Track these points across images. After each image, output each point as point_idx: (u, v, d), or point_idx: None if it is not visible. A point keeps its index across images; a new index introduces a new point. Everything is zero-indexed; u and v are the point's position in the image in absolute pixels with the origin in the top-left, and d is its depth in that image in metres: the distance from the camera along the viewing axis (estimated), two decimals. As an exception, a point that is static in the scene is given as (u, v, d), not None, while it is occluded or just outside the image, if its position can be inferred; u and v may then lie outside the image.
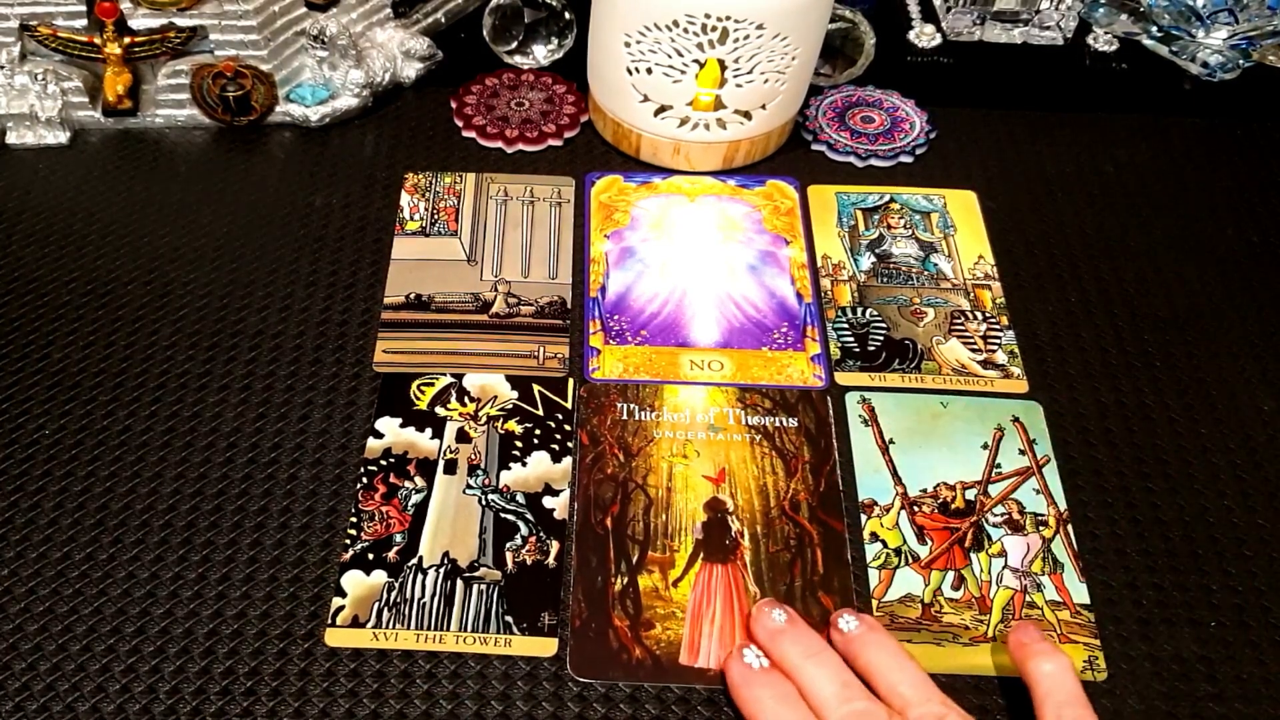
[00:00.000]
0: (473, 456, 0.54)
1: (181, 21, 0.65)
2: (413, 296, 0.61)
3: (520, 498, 0.52)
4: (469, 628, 0.48)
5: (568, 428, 0.55)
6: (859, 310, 0.61)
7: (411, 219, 0.65)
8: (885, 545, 0.51)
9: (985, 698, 0.47)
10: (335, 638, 0.48)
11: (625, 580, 0.50)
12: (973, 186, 0.68)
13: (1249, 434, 0.56)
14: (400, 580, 0.49)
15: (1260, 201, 0.68)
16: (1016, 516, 0.52)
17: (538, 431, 0.55)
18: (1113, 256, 0.64)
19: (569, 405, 0.56)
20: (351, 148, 0.69)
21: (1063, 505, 0.53)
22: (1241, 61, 0.76)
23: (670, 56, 0.62)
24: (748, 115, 0.65)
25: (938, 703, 0.43)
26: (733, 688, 0.45)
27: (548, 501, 0.52)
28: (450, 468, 0.53)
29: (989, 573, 0.50)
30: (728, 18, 0.59)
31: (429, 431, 0.55)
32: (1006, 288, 0.62)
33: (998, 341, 0.60)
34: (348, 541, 0.50)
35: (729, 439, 0.55)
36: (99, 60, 0.66)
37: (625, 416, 0.56)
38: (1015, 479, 0.54)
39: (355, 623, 0.48)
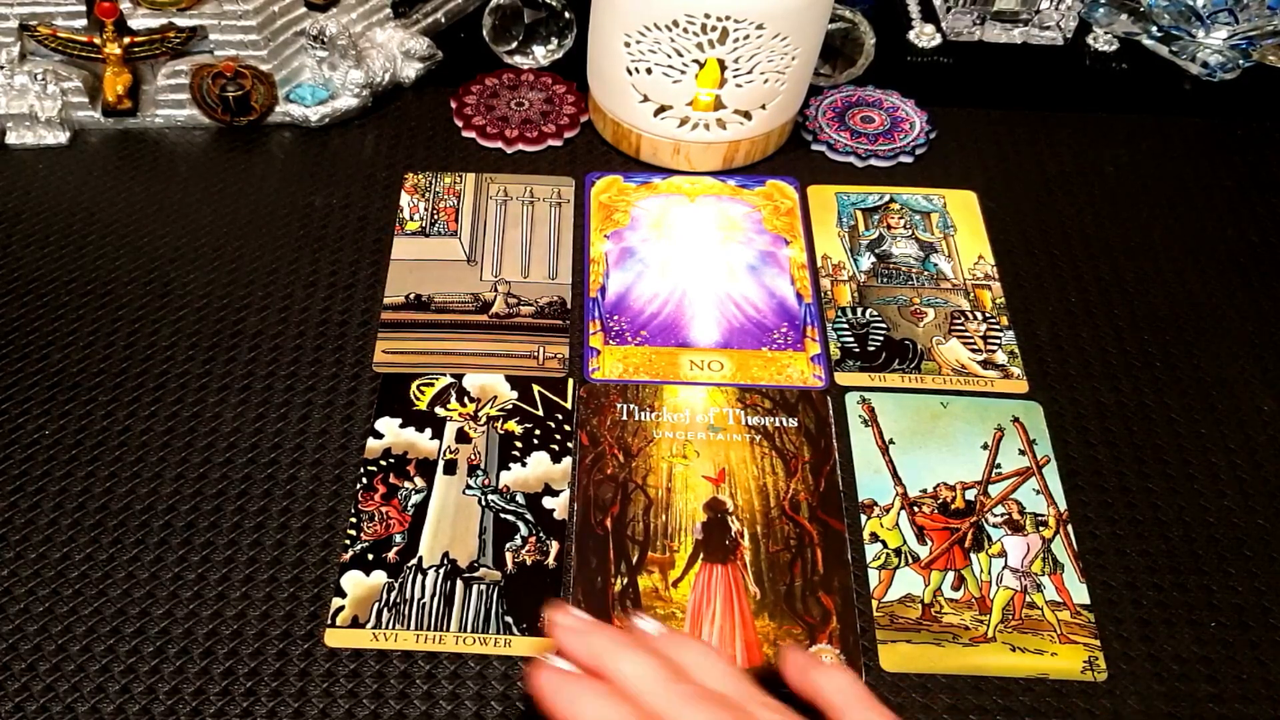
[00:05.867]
0: (472, 457, 0.54)
1: (181, 21, 0.65)
2: (412, 297, 0.61)
3: (520, 498, 0.52)
4: (469, 628, 0.48)
5: (567, 428, 0.55)
6: (859, 310, 0.61)
7: (411, 219, 0.65)
8: (885, 545, 0.51)
9: (985, 698, 0.47)
10: (335, 638, 0.48)
11: (625, 581, 0.50)
12: (973, 186, 0.68)
13: (1249, 434, 0.56)
14: (400, 581, 0.49)
15: (1260, 201, 0.68)
16: (1016, 517, 0.52)
17: (537, 432, 0.55)
18: (1113, 256, 0.64)
19: (569, 405, 0.56)
20: (351, 148, 0.69)
21: (1063, 505, 0.53)
22: (1241, 61, 0.76)
23: (670, 56, 0.62)
24: (748, 115, 0.65)
25: (764, 696, 0.40)
26: (545, 698, 0.39)
27: (547, 502, 0.52)
28: (450, 468, 0.53)
29: (989, 573, 0.50)
30: (728, 18, 0.59)
31: (429, 432, 0.55)
32: (1006, 288, 0.62)
33: (998, 341, 0.60)
34: (347, 542, 0.50)
35: (729, 439, 0.55)
36: (99, 60, 0.66)
37: (625, 417, 0.56)
38: (1015, 479, 0.54)
39: (355, 623, 0.48)
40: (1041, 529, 0.52)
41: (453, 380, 0.57)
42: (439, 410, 0.56)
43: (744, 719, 0.38)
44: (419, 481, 0.53)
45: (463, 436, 0.55)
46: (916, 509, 0.53)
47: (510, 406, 0.56)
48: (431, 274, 0.62)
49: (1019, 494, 0.53)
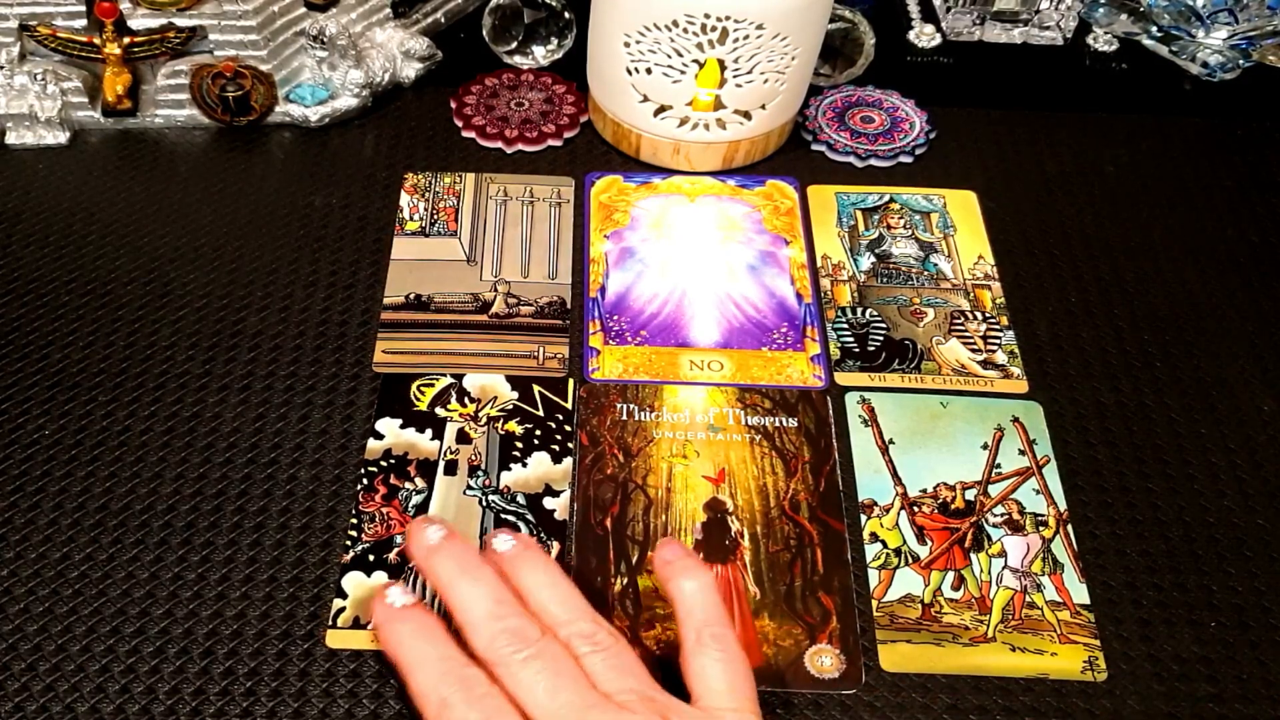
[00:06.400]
0: (473, 457, 0.54)
1: (181, 21, 0.65)
2: (412, 297, 0.61)
3: (521, 499, 0.52)
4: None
5: (568, 428, 0.55)
6: (859, 310, 0.61)
7: (411, 219, 0.65)
8: (885, 545, 0.51)
9: (985, 698, 0.47)
10: (336, 639, 0.48)
11: (625, 581, 0.50)
12: (973, 186, 0.68)
13: (1249, 434, 0.56)
14: (401, 582, 0.49)
15: (1260, 201, 0.68)
16: (1016, 517, 0.52)
17: (538, 432, 0.55)
18: (1113, 256, 0.64)
19: (569, 406, 0.56)
20: (351, 148, 0.69)
21: (1063, 505, 0.53)
22: (1241, 61, 0.76)
23: (670, 56, 0.62)
24: (747, 115, 0.65)
25: (588, 620, 0.42)
26: (375, 630, 0.42)
27: (548, 502, 0.52)
28: (451, 469, 0.53)
29: (989, 573, 0.50)
30: (728, 18, 0.59)
31: (429, 432, 0.55)
32: (1006, 288, 0.62)
33: (998, 341, 0.60)
34: (348, 543, 0.50)
35: (729, 439, 0.55)
36: (99, 60, 0.66)
37: (625, 417, 0.56)
38: (1015, 479, 0.54)
39: (356, 624, 0.48)
40: (1041, 529, 0.52)
41: (453, 380, 0.57)
42: (439, 411, 0.56)
43: (551, 651, 0.40)
44: (420, 482, 0.53)
45: (463, 437, 0.55)
46: (916, 509, 0.53)
47: (510, 407, 0.56)
48: (431, 274, 0.62)
49: (1019, 494, 0.53)
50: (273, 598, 0.49)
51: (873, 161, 0.69)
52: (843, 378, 0.58)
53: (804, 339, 0.59)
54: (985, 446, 0.55)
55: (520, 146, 0.69)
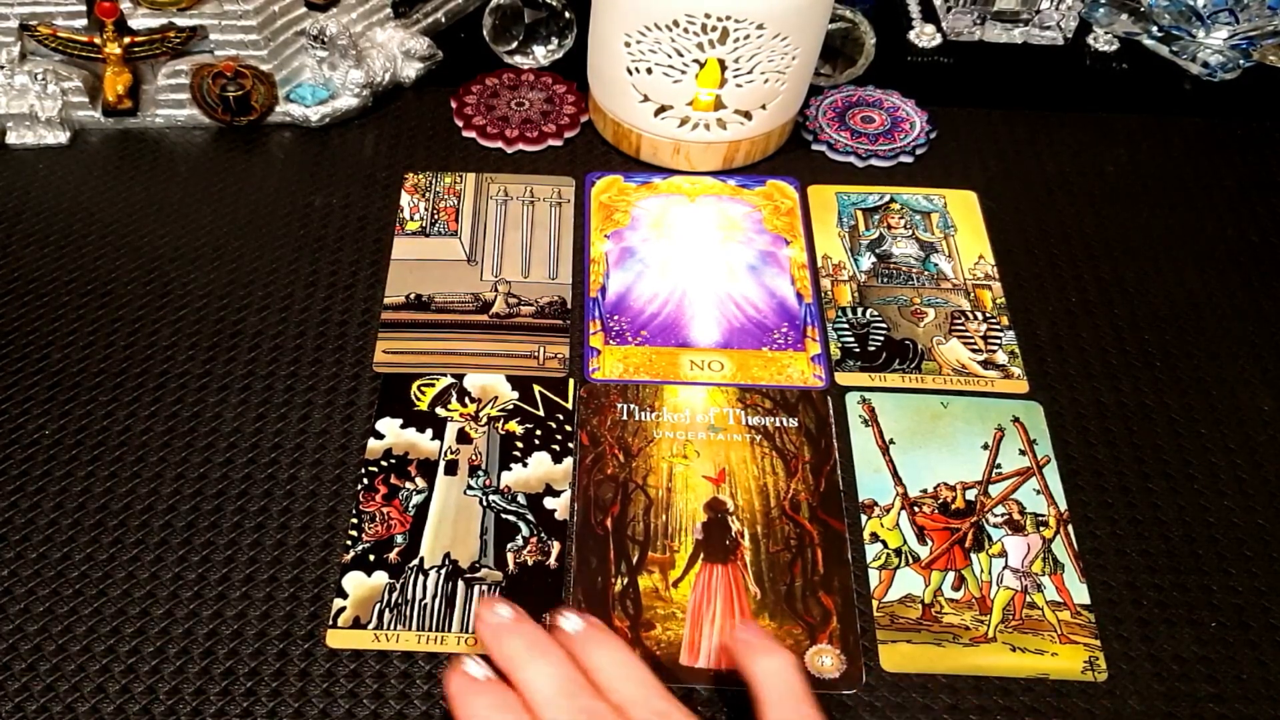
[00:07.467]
0: (473, 457, 0.54)
1: (181, 21, 0.65)
2: (413, 297, 0.61)
3: (521, 498, 0.52)
4: (470, 629, 0.48)
5: (568, 428, 0.55)
6: (859, 310, 0.61)
7: (411, 219, 0.65)
8: (885, 545, 0.51)
9: (985, 698, 0.47)
10: (336, 639, 0.48)
11: (625, 581, 0.50)
12: (973, 186, 0.68)
13: (1249, 434, 0.56)
14: (401, 581, 0.49)
15: (1260, 201, 0.68)
16: (1017, 517, 0.52)
17: (538, 432, 0.55)
18: (1113, 256, 0.64)
19: (569, 406, 0.56)
20: (351, 148, 0.69)
21: (1063, 505, 0.53)
22: (1241, 61, 0.76)
23: (670, 56, 0.62)
24: (748, 115, 0.65)
25: (661, 699, 0.41)
26: (450, 699, 0.41)
27: (549, 502, 0.52)
28: (451, 469, 0.53)
29: (989, 573, 0.50)
30: (728, 18, 0.59)
31: (429, 432, 0.55)
32: (1006, 288, 0.62)
33: (998, 341, 0.60)
34: (349, 542, 0.50)
35: (729, 439, 0.55)
36: (99, 60, 0.66)
37: (625, 417, 0.56)
38: (1015, 479, 0.54)
39: (356, 624, 0.48)
40: (1042, 529, 0.52)
41: (453, 380, 0.57)
42: (440, 411, 0.56)
43: None
44: (420, 482, 0.53)
45: (464, 437, 0.55)
46: (917, 509, 0.53)
47: (511, 407, 0.56)
48: (432, 274, 0.62)
49: (1019, 494, 0.53)
50: (273, 598, 0.49)
51: (873, 161, 0.69)
52: (843, 378, 0.58)
53: (804, 339, 0.59)
54: (986, 446, 0.55)
55: (520, 146, 0.69)
